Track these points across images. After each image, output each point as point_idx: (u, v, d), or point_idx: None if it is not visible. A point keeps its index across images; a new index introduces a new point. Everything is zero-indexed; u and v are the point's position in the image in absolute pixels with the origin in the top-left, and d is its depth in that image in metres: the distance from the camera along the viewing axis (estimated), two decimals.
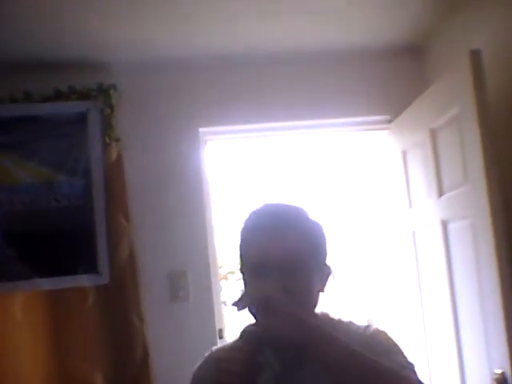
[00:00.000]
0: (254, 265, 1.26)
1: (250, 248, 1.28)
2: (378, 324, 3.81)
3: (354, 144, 3.89)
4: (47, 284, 2.64)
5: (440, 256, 2.45)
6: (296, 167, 5.12)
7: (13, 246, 2.64)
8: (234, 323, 4.39)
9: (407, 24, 2.67)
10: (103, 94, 2.73)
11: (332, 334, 1.16)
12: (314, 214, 1.32)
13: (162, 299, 2.78)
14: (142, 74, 2.79)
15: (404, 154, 2.82)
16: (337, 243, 4.67)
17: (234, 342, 1.25)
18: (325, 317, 1.33)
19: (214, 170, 3.18)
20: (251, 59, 2.85)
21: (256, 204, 1.33)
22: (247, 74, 2.90)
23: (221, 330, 2.82)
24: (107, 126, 2.73)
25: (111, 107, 2.73)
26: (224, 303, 3.03)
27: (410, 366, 1.23)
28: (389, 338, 1.29)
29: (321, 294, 1.30)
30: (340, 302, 4.91)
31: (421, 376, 1.22)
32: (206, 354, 1.39)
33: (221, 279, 3.08)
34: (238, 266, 1.34)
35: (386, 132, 3.00)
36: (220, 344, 2.41)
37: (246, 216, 1.32)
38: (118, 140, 2.75)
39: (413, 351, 2.54)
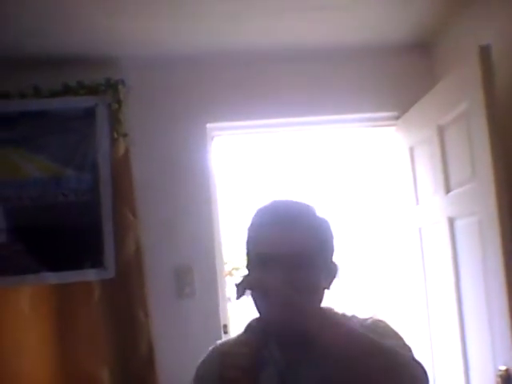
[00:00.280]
0: (260, 260, 1.25)
1: (257, 244, 1.28)
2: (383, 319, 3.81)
3: (361, 140, 3.89)
4: (54, 278, 2.65)
5: (446, 253, 2.44)
6: (303, 163, 5.12)
7: (20, 241, 2.66)
8: (238, 319, 4.40)
9: (415, 20, 2.66)
10: (111, 89, 2.74)
11: (334, 318, 1.15)
12: (321, 211, 1.32)
13: (168, 295, 2.79)
14: (150, 69, 2.79)
15: (411, 150, 2.81)
16: (344, 239, 4.67)
17: (239, 336, 1.25)
18: (329, 311, 1.33)
19: (221, 165, 3.18)
20: (259, 56, 2.84)
21: (263, 201, 1.32)
22: (255, 70, 2.90)
23: (226, 326, 2.83)
24: (115, 121, 2.74)
25: (119, 102, 2.74)
26: (229, 299, 3.03)
27: (405, 347, 1.22)
28: (386, 325, 1.29)
29: (326, 291, 1.29)
30: (346, 298, 4.91)
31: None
32: (210, 347, 1.39)
33: (226, 275, 3.08)
34: (245, 263, 1.33)
35: (393, 128, 2.99)
36: (224, 338, 2.42)
37: (254, 213, 1.32)
38: (125, 135, 2.75)
39: (418, 347, 2.54)
